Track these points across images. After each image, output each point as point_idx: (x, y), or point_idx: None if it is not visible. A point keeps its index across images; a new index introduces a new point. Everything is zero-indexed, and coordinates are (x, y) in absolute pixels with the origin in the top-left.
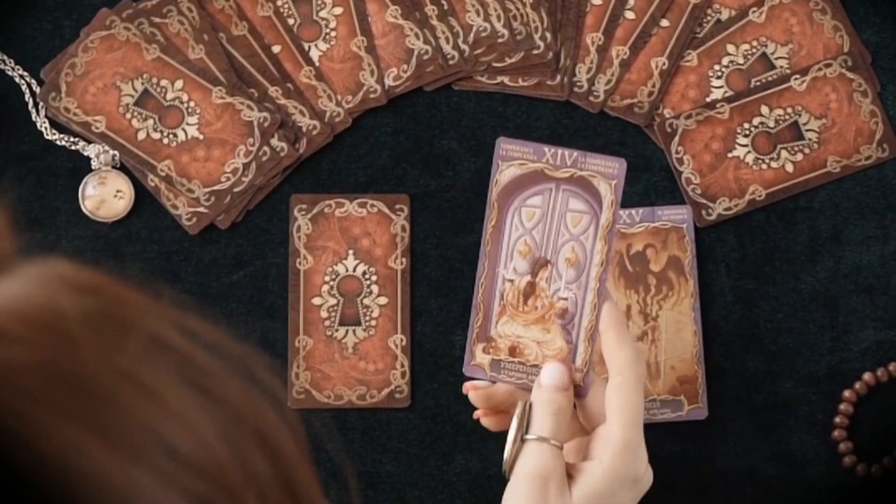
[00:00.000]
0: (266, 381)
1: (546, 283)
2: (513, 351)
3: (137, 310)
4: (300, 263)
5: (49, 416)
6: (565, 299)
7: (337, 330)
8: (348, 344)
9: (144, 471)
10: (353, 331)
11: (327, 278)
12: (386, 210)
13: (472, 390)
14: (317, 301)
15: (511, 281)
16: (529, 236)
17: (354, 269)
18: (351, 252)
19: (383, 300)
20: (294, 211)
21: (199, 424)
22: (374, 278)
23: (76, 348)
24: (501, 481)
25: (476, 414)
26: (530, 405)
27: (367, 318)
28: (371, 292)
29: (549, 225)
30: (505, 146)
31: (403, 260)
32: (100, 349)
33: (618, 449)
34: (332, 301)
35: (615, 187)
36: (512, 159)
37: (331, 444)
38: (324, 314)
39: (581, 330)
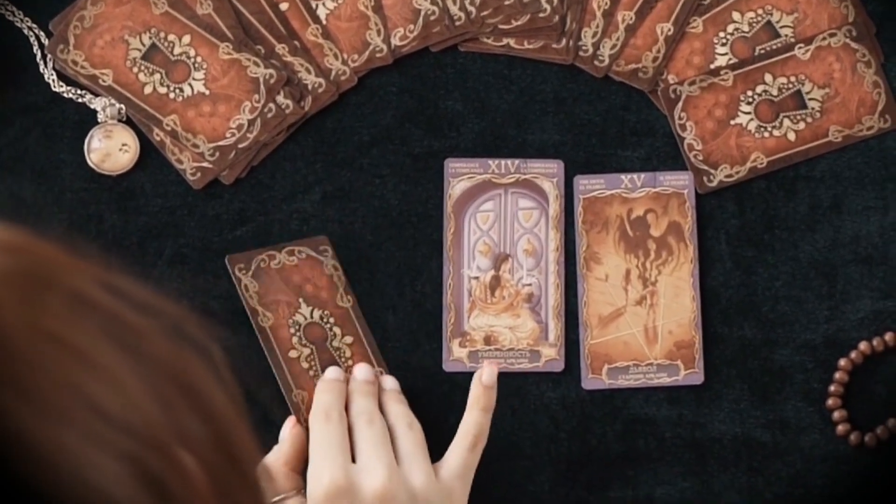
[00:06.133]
0: (199, 340)
1: (509, 274)
2: (488, 340)
3: (60, 268)
4: (262, 321)
5: None
6: (529, 285)
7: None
8: None
9: (72, 431)
10: None
11: (292, 330)
12: (313, 253)
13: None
14: (293, 354)
15: (476, 278)
16: (487, 237)
17: (312, 315)
18: (301, 300)
19: (349, 339)
20: (235, 272)
21: (127, 383)
22: (332, 320)
23: None
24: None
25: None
26: None
27: (343, 359)
28: (335, 334)
29: (504, 224)
30: (453, 165)
31: (349, 297)
32: (21, 309)
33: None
34: (307, 350)
35: (557, 183)
36: (460, 175)
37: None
38: (305, 365)
39: (549, 309)
